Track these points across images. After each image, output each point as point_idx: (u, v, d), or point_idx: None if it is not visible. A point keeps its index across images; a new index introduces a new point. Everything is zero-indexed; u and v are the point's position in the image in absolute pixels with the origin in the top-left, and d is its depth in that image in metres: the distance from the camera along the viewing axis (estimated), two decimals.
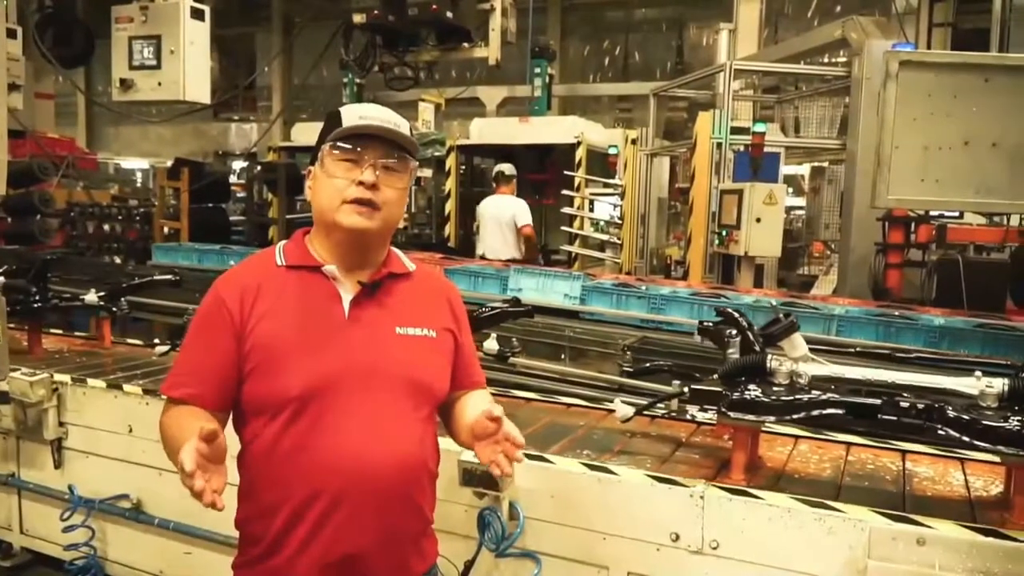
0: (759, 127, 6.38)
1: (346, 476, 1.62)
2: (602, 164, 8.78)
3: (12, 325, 3.81)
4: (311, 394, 1.63)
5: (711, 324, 2.75)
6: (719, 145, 7.13)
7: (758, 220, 6.08)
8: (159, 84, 6.33)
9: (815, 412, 2.24)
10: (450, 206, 9.35)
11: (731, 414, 2.33)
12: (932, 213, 6.66)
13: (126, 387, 3.20)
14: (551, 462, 2.46)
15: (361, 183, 1.66)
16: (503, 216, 7.22)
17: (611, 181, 8.48)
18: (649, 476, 2.35)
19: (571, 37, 16.24)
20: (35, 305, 3.76)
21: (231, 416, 1.73)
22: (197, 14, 6.32)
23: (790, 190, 10.18)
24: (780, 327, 2.36)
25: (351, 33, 8.88)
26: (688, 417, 2.72)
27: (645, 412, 2.80)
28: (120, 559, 3.29)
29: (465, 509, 2.47)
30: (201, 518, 2.99)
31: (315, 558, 1.63)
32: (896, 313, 4.11)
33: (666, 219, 10.28)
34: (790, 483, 2.39)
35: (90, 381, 3.29)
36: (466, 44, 8.44)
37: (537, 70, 11.10)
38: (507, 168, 7.53)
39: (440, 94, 10.98)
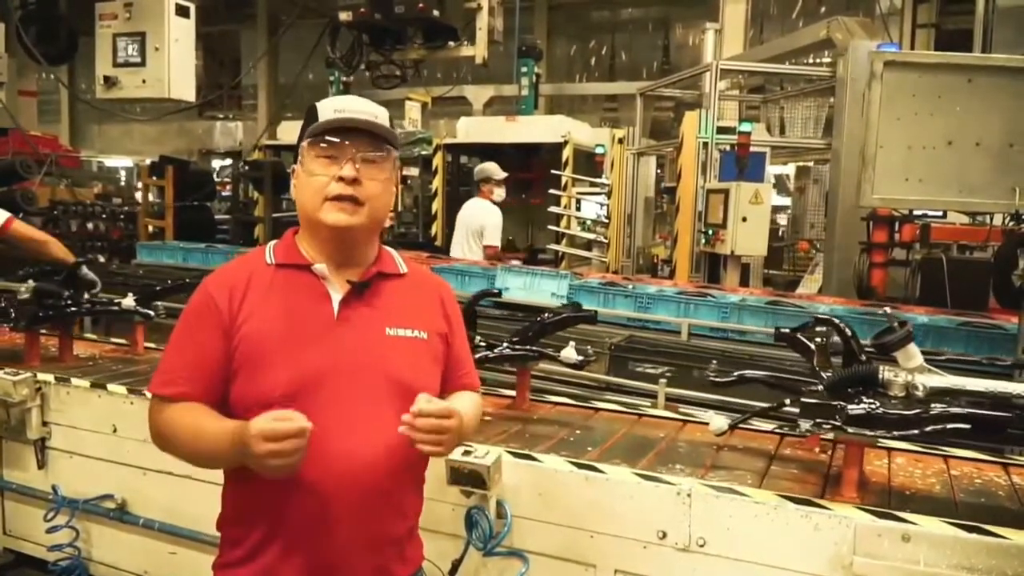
0: (745, 127, 6.40)
1: (329, 477, 1.60)
2: (589, 163, 8.80)
3: (43, 331, 3.74)
4: (297, 394, 1.61)
5: (790, 330, 2.63)
6: (705, 145, 7.16)
7: (744, 219, 6.10)
8: (143, 82, 6.30)
9: (945, 426, 2.11)
10: (437, 205, 9.34)
11: (849, 429, 2.18)
12: (916, 212, 6.70)
13: (110, 386, 3.17)
14: (538, 460, 2.46)
15: (342, 179, 1.64)
16: (471, 223, 6.73)
17: (598, 180, 8.49)
18: (636, 474, 2.35)
19: (558, 36, 16.27)
20: (69, 310, 3.62)
21: None
22: (182, 11, 6.29)
23: (774, 188, 10.21)
24: (896, 336, 2.19)
25: (338, 31, 8.85)
26: (804, 432, 2.38)
27: (741, 425, 2.62)
28: (104, 560, 3.26)
29: (452, 508, 2.46)
30: (186, 519, 2.97)
31: (296, 563, 1.62)
32: (880, 311, 4.13)
33: (652, 218, 10.31)
34: (904, 500, 2.27)
35: (74, 380, 3.26)
36: (453, 43, 8.43)
37: (524, 69, 11.10)
38: (480, 170, 6.96)
39: (427, 93, 10.97)
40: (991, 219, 6.05)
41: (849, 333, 2.38)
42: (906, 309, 4.46)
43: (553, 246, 8.70)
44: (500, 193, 6.78)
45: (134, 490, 3.13)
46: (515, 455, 2.46)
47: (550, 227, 8.64)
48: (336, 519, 1.62)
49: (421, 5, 7.61)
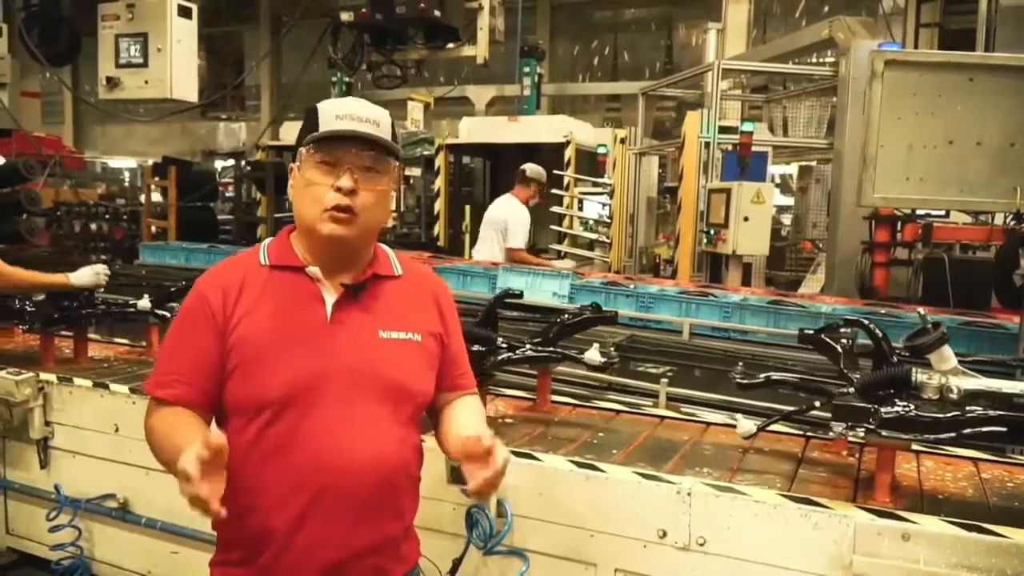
0: (747, 126, 6.39)
1: (323, 479, 1.61)
2: (591, 163, 8.79)
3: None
4: (290, 397, 1.61)
5: (814, 331, 2.60)
6: (707, 144, 7.16)
7: (746, 219, 6.10)
8: (146, 82, 6.31)
9: (980, 429, 2.08)
10: (439, 205, 9.33)
11: (883, 432, 2.15)
12: (919, 212, 6.70)
13: (112, 386, 3.18)
14: (539, 459, 2.46)
15: (339, 189, 1.63)
16: (497, 220, 6.57)
17: (600, 180, 8.48)
18: (636, 473, 2.35)
19: (560, 36, 16.26)
20: (83, 312, 3.62)
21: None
22: (184, 12, 6.30)
23: (776, 190, 10.21)
24: (931, 338, 2.16)
25: (339, 31, 8.86)
26: (839, 434, 2.27)
27: (767, 428, 2.58)
28: (107, 559, 3.28)
29: (453, 507, 2.47)
30: (188, 518, 2.98)
31: (292, 562, 1.62)
32: (883, 311, 4.13)
33: (655, 218, 10.30)
34: (937, 504, 2.25)
35: (76, 380, 3.28)
36: (454, 43, 8.43)
37: (526, 69, 11.08)
38: (528, 168, 6.65)
39: (429, 93, 10.96)
40: (992, 219, 6.05)
41: (880, 334, 2.35)
42: (908, 309, 4.46)
43: (555, 246, 8.69)
44: (534, 199, 6.64)
45: (136, 490, 3.14)
46: (516, 454, 2.46)
47: (552, 227, 8.63)
48: (331, 521, 1.62)
49: (422, 5, 7.59)
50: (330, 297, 1.70)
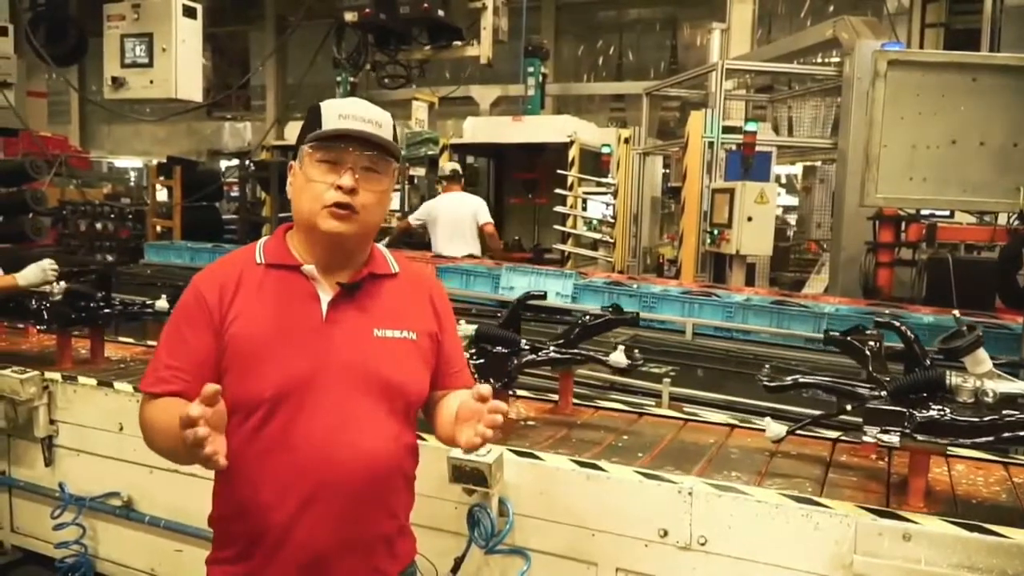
0: (751, 126, 6.40)
1: (317, 478, 1.61)
2: (595, 163, 8.80)
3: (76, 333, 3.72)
4: (284, 395, 1.62)
5: (840, 334, 2.58)
6: (711, 144, 7.16)
7: (749, 219, 6.11)
8: (151, 82, 6.33)
9: (1018, 433, 2.04)
10: None
11: (919, 436, 2.10)
12: (923, 212, 6.69)
13: (116, 384, 3.20)
14: (540, 459, 2.46)
15: (340, 187, 1.64)
16: (468, 215, 6.85)
17: (604, 180, 8.48)
18: (637, 472, 2.35)
19: (564, 36, 16.28)
20: (101, 312, 3.62)
21: None
22: (189, 12, 6.33)
23: (782, 190, 10.22)
24: (966, 341, 2.12)
25: (343, 32, 8.88)
26: (875, 439, 2.21)
27: (798, 432, 2.52)
28: (111, 557, 3.29)
29: (455, 506, 2.47)
30: (192, 516, 2.99)
31: (286, 560, 1.63)
32: (886, 311, 4.13)
33: (659, 218, 10.30)
34: (971, 509, 2.21)
35: (81, 379, 3.29)
36: (458, 43, 8.44)
37: (530, 69, 11.09)
38: (456, 167, 7.30)
39: (433, 93, 10.97)
40: (996, 219, 6.04)
41: (912, 337, 2.31)
42: (912, 309, 4.45)
43: (559, 246, 8.70)
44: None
45: (140, 488, 3.15)
46: (517, 453, 2.47)
47: (556, 227, 8.64)
48: (324, 519, 1.62)
49: (425, 5, 7.61)
50: (325, 296, 1.70)
